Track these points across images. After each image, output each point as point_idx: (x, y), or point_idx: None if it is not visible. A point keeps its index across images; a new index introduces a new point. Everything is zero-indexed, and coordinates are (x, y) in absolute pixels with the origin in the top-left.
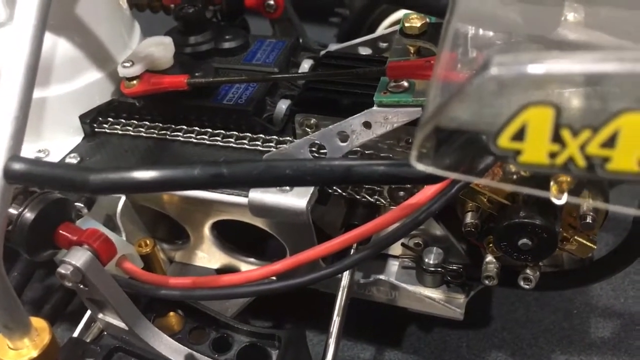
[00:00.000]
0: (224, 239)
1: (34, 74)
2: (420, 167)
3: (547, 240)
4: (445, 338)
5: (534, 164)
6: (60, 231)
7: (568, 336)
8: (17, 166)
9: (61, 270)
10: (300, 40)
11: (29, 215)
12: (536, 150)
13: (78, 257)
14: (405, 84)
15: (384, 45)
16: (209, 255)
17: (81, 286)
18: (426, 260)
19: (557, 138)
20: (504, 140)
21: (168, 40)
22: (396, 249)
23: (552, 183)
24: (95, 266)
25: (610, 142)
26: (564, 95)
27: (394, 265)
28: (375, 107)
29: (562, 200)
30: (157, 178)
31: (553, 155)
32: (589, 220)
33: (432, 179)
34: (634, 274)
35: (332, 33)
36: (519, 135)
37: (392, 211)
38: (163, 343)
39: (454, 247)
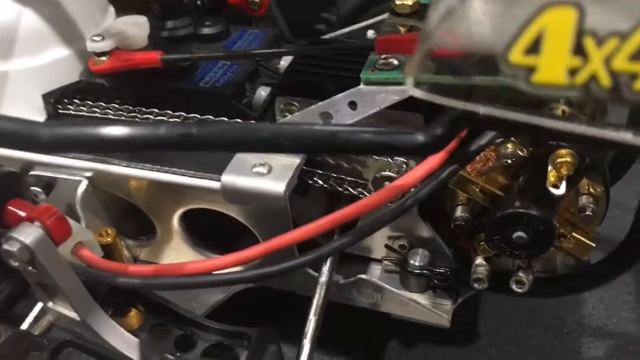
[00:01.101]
0: (193, 234)
1: None
2: (418, 93)
3: (544, 233)
4: (428, 354)
5: (550, 84)
6: (9, 207)
7: (559, 356)
8: None
9: (7, 247)
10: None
11: None
12: (553, 65)
13: (27, 234)
14: (395, 61)
15: (373, 36)
16: (177, 252)
17: (29, 268)
18: (411, 262)
19: (578, 49)
20: (517, 55)
21: (143, 19)
22: (378, 251)
23: (550, 168)
24: (46, 245)
25: None
26: None
27: (376, 269)
28: (362, 86)
29: (560, 189)
30: (117, 135)
31: (573, 72)
32: (588, 212)
33: (427, 148)
34: (627, 294)
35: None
36: (535, 47)
37: (377, 193)
38: (119, 337)
39: (441, 249)
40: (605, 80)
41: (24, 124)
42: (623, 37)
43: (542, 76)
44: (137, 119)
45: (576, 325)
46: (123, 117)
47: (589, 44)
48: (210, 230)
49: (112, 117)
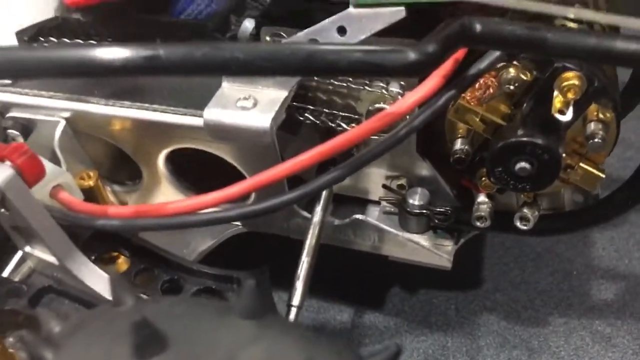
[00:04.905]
0: (181, 177)
1: None
2: None
3: (549, 163)
4: (431, 300)
5: None
6: None
7: (567, 298)
8: None
9: None
10: None
11: None
12: None
13: None
14: None
15: None
16: (164, 197)
17: (2, 210)
18: (410, 201)
19: None
20: None
21: None
22: (376, 193)
23: (556, 93)
24: (17, 185)
25: None
26: None
27: (374, 211)
28: (351, 8)
29: (567, 115)
30: (75, 57)
31: None
32: (597, 139)
33: (419, 67)
34: (639, 235)
35: None
36: None
37: (368, 121)
38: (100, 281)
39: (442, 188)
40: None
41: None
42: None
43: None
44: None
45: (585, 268)
46: None
47: None
48: (202, 175)
49: None
